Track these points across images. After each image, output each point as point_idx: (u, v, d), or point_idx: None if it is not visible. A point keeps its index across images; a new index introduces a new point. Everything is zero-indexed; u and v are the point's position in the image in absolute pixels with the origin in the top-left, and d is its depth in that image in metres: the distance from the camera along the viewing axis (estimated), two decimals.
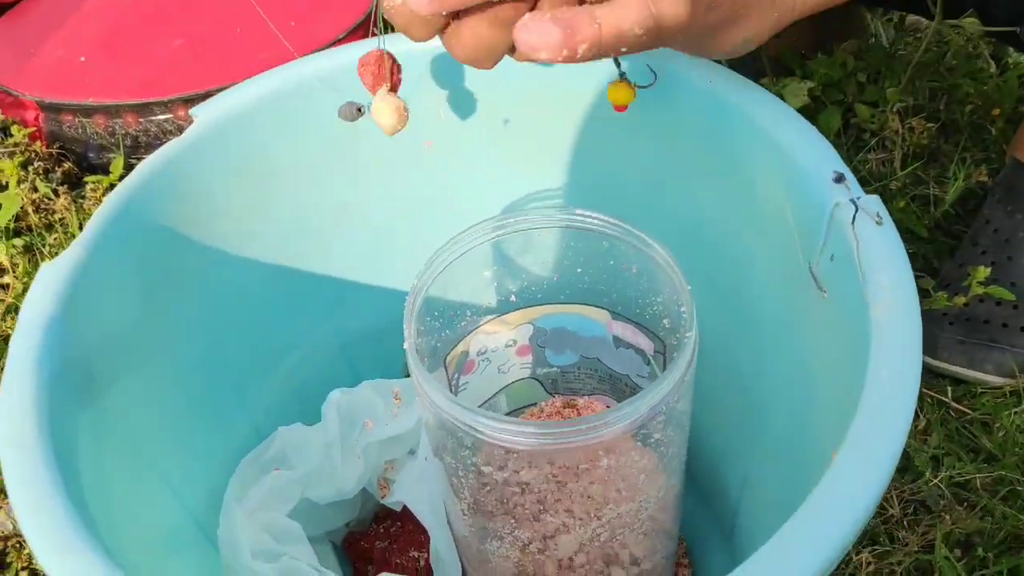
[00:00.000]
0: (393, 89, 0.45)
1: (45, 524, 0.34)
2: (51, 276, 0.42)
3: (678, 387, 0.44)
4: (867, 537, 0.65)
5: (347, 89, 0.54)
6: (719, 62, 0.49)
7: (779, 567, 0.29)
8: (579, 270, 0.55)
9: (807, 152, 0.44)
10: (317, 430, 0.54)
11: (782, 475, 0.54)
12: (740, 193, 0.49)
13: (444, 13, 0.38)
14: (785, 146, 0.45)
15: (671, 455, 0.52)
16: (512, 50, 0.41)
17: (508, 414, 0.64)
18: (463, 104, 0.58)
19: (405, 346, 0.47)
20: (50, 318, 0.41)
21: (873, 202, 0.41)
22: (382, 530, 0.67)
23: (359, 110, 0.54)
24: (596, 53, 0.35)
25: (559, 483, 0.55)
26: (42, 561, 0.33)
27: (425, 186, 0.61)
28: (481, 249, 0.53)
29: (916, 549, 0.63)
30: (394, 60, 0.45)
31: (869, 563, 0.63)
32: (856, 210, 0.41)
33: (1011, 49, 0.93)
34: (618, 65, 0.47)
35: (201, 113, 0.50)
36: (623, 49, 0.36)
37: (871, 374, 0.35)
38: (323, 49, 0.94)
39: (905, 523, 0.65)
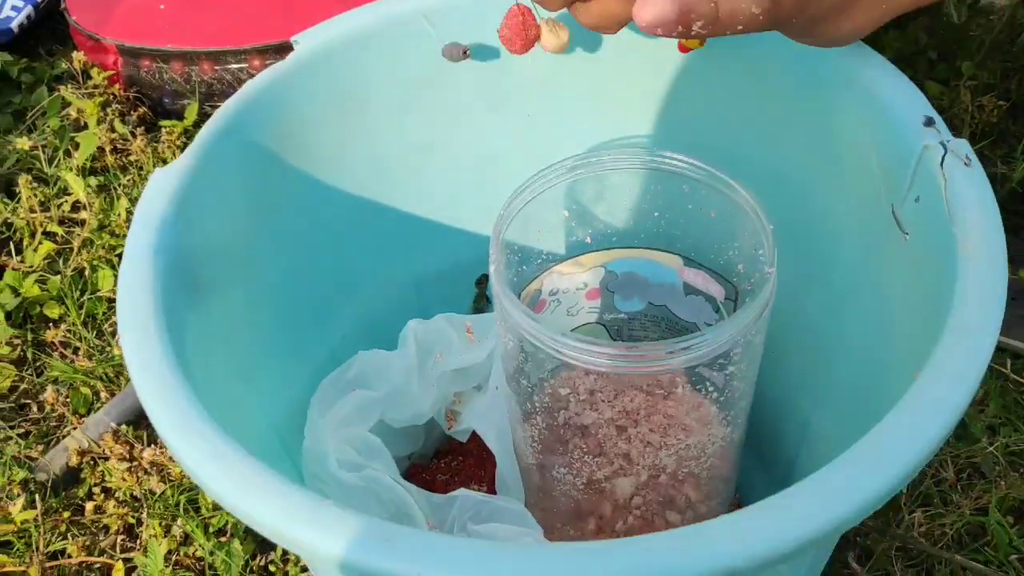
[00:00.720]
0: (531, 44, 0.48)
1: (169, 406, 0.36)
2: (163, 181, 0.44)
3: (758, 318, 0.45)
4: (920, 498, 0.66)
5: (444, 26, 0.55)
6: None
7: (880, 458, 0.31)
8: (656, 214, 0.56)
9: (897, 97, 0.45)
10: (396, 355, 0.57)
11: (846, 424, 0.55)
12: (822, 137, 0.50)
13: None
14: (875, 91, 0.46)
15: (738, 396, 0.53)
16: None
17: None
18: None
19: (491, 270, 0.49)
20: (162, 219, 0.43)
21: (962, 145, 0.42)
22: (443, 464, 0.69)
23: (464, 52, 0.56)
24: (712, 31, 0.36)
25: (619, 428, 0.57)
26: (170, 442, 0.36)
27: (505, 132, 0.63)
28: (562, 187, 0.55)
29: (969, 512, 0.64)
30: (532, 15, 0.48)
31: (921, 524, 0.65)
32: (945, 152, 0.42)
33: None
34: None
35: (303, 40, 0.52)
36: (739, 28, 0.37)
37: (958, 299, 0.37)
38: None
39: (959, 487, 0.66)
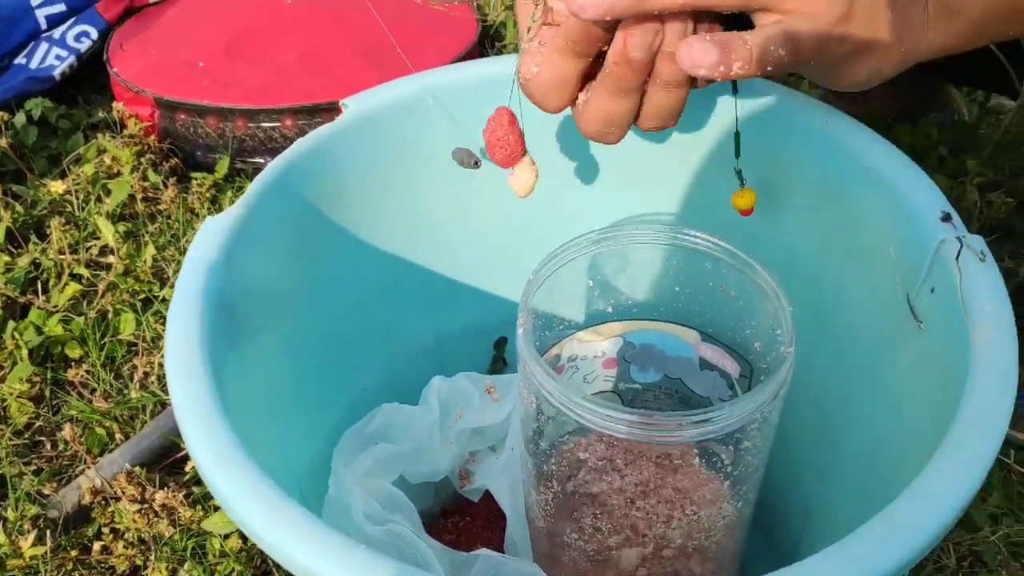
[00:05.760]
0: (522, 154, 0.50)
1: (210, 439, 0.38)
2: (215, 227, 0.47)
3: (775, 396, 0.47)
4: None
5: (453, 107, 0.58)
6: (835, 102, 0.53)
7: (894, 534, 0.32)
8: (677, 288, 0.58)
9: (916, 192, 0.47)
10: (419, 411, 0.58)
11: (851, 506, 0.56)
12: (842, 226, 0.52)
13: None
14: (894, 184, 0.48)
15: (750, 472, 0.54)
16: (635, 120, 0.46)
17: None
18: (571, 127, 0.62)
19: (519, 332, 0.51)
20: (212, 263, 0.45)
21: (977, 241, 0.44)
22: (450, 524, 0.69)
23: (476, 163, 0.58)
24: (747, 72, 0.39)
25: (628, 498, 0.58)
26: (208, 474, 0.37)
27: (533, 203, 0.65)
28: (587, 258, 0.57)
29: None
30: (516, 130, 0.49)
31: None
32: (961, 247, 0.44)
33: None
34: (740, 178, 0.52)
35: (352, 104, 0.55)
36: (769, 69, 0.40)
37: (969, 389, 0.38)
38: None
39: (960, 575, 0.67)
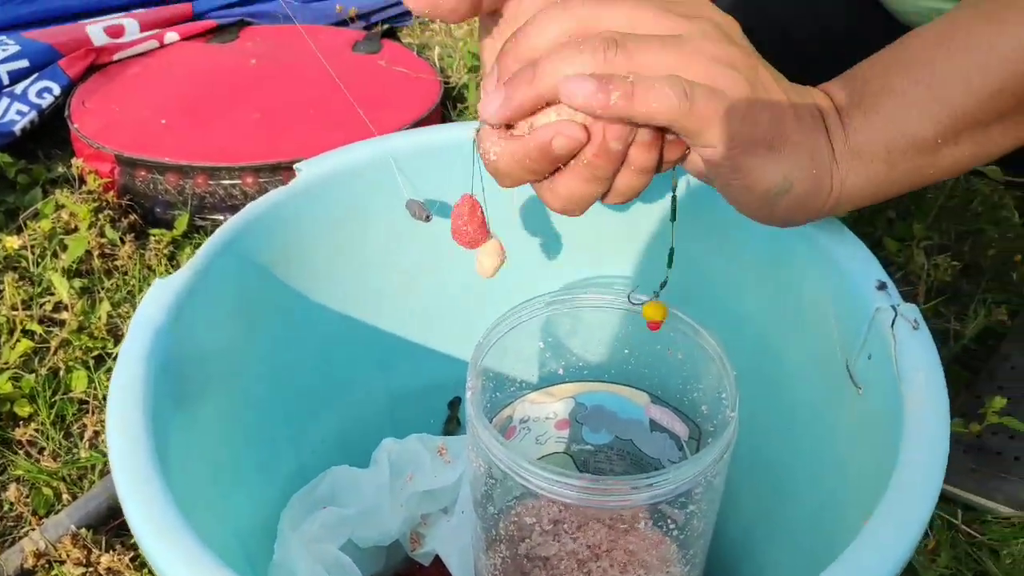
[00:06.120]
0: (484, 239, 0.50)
1: (148, 508, 0.37)
2: (163, 290, 0.47)
3: (719, 459, 0.48)
4: None
5: (409, 171, 0.59)
6: None
7: None
8: (626, 351, 0.59)
9: (853, 261, 0.49)
10: (368, 473, 0.58)
11: (799, 566, 0.56)
12: (785, 292, 0.54)
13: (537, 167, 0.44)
14: (833, 254, 0.50)
15: (697, 535, 0.54)
16: (603, 197, 0.47)
17: None
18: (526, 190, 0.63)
19: (467, 396, 0.51)
20: (159, 325, 0.45)
21: (911, 310, 0.46)
22: None
23: (427, 217, 0.58)
24: (628, 106, 0.39)
25: (580, 561, 0.58)
26: (145, 544, 0.37)
27: None
28: (539, 320, 0.57)
29: None
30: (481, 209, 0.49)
31: None
32: (896, 315, 0.45)
33: None
34: (660, 288, 0.53)
35: (305, 168, 0.56)
36: (654, 106, 0.39)
37: (903, 455, 0.39)
38: None
39: None
